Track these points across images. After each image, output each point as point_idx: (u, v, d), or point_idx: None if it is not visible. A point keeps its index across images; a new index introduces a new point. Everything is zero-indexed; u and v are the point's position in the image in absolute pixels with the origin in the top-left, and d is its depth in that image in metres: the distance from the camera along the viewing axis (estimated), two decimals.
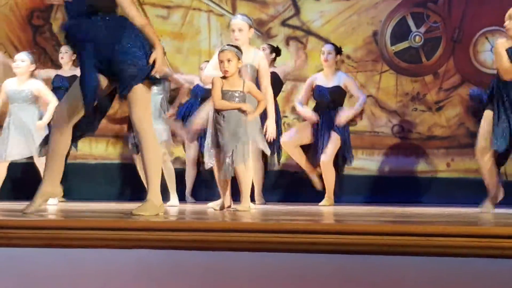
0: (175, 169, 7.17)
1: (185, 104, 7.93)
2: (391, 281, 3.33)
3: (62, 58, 7.90)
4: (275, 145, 7.55)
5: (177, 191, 7.10)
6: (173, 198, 7.03)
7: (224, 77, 5.53)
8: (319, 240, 3.36)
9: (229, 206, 5.73)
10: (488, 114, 5.62)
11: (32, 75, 7.07)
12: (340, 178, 7.62)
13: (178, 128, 7.44)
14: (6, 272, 3.48)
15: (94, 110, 4.54)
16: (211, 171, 5.97)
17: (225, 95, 5.52)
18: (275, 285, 3.37)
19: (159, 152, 4.68)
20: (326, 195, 7.36)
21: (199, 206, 6.64)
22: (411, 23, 8.43)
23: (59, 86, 7.78)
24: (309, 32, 8.49)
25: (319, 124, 7.40)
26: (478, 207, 5.80)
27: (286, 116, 8.40)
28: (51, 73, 7.97)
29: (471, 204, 7.03)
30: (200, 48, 8.61)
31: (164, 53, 4.58)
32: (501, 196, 5.68)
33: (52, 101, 6.94)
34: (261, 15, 8.56)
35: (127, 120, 7.11)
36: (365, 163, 8.33)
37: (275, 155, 7.62)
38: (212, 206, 6.12)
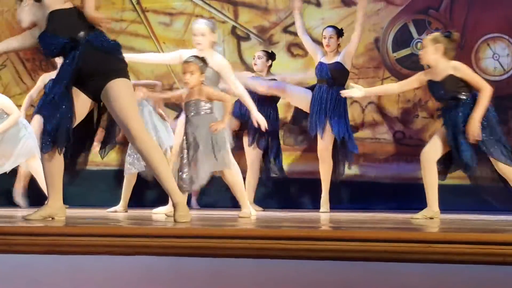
0: None
1: None
2: None
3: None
4: (274, 151, 7.56)
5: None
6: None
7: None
8: (319, 247, 3.36)
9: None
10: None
11: None
12: (341, 184, 7.61)
13: None
14: (8, 279, 3.49)
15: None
16: (214, 177, 5.99)
17: (189, 106, 5.55)
18: None
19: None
20: (322, 199, 7.35)
21: (202, 213, 6.64)
22: (413, 30, 8.43)
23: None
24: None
25: (321, 100, 7.37)
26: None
27: (288, 123, 8.40)
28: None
29: (472, 210, 7.03)
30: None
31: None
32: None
33: (14, 112, 7.01)
34: (263, 22, 8.57)
35: None
36: (367, 170, 8.32)
37: (275, 162, 7.62)
38: (157, 212, 6.23)
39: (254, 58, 7.78)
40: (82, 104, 4.55)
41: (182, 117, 5.96)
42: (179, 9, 8.80)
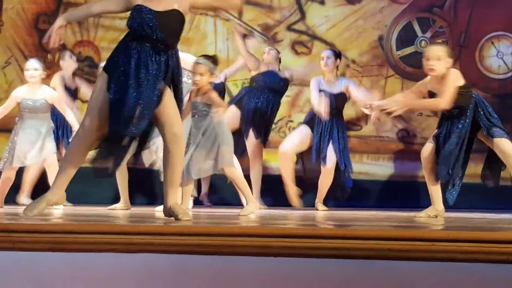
0: None
1: None
2: (395, 287, 3.33)
3: (65, 64, 7.93)
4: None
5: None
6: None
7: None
8: (322, 245, 3.36)
9: None
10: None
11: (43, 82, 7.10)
12: (345, 183, 7.60)
13: None
14: (11, 276, 3.49)
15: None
16: (223, 175, 6.01)
17: (196, 105, 5.65)
18: None
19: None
20: (317, 200, 7.33)
21: (206, 210, 6.64)
22: (417, 28, 8.42)
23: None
24: (314, 37, 8.49)
25: (321, 129, 7.35)
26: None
27: (291, 121, 8.40)
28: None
29: (476, 209, 7.03)
30: (206, 53, 8.57)
31: None
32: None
33: (66, 110, 6.99)
34: (267, 20, 8.57)
35: None
36: (370, 168, 8.32)
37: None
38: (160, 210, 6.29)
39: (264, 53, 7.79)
40: None
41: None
42: None
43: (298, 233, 3.49)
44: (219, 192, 8.02)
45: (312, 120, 7.43)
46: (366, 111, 6.01)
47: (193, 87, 5.74)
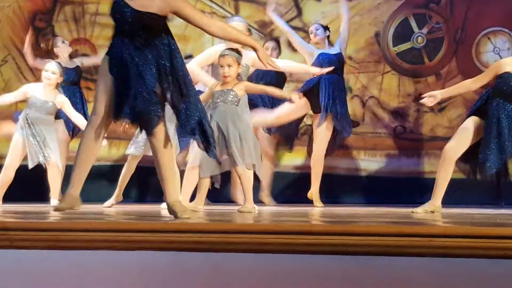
0: None
1: None
2: (393, 282, 3.33)
3: (59, 50, 7.94)
4: None
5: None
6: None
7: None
8: (319, 241, 3.36)
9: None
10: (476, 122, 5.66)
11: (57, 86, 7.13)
12: (341, 179, 7.61)
13: None
14: (10, 274, 3.49)
15: None
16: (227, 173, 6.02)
17: (223, 94, 5.65)
18: (278, 287, 3.38)
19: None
20: (314, 197, 7.33)
21: (213, 208, 6.64)
22: (413, 24, 8.42)
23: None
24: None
25: (325, 90, 7.34)
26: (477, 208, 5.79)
27: None
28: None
29: (474, 204, 7.03)
30: (203, 50, 8.60)
31: None
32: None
33: (73, 115, 7.03)
34: (263, 17, 8.56)
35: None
36: (367, 164, 8.32)
37: None
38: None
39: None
40: None
41: None
42: None
43: (294, 230, 3.50)
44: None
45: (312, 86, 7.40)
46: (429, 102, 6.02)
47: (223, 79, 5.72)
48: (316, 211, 6.27)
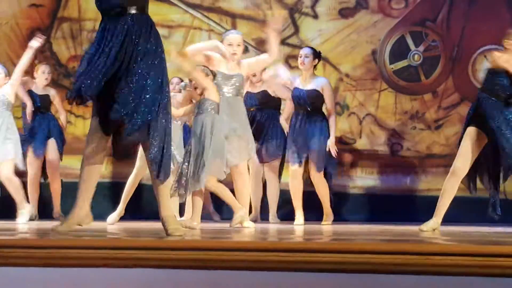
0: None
1: None
2: None
3: (46, 78, 7.99)
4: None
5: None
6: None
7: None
8: (317, 259, 3.35)
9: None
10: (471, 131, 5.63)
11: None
12: (339, 196, 7.60)
13: None
14: None
15: None
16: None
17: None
18: None
19: None
20: (324, 212, 7.31)
21: (202, 225, 6.63)
22: (410, 41, 8.45)
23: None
24: None
25: (297, 124, 7.30)
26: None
27: None
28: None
29: (471, 222, 7.02)
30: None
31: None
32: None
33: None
34: (261, 34, 8.58)
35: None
36: (364, 181, 8.32)
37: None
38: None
39: None
40: None
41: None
42: (178, 22, 8.81)
43: (291, 247, 3.49)
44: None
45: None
46: None
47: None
48: (313, 228, 6.26)
